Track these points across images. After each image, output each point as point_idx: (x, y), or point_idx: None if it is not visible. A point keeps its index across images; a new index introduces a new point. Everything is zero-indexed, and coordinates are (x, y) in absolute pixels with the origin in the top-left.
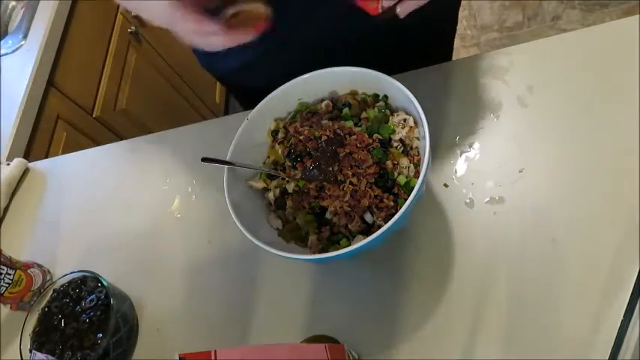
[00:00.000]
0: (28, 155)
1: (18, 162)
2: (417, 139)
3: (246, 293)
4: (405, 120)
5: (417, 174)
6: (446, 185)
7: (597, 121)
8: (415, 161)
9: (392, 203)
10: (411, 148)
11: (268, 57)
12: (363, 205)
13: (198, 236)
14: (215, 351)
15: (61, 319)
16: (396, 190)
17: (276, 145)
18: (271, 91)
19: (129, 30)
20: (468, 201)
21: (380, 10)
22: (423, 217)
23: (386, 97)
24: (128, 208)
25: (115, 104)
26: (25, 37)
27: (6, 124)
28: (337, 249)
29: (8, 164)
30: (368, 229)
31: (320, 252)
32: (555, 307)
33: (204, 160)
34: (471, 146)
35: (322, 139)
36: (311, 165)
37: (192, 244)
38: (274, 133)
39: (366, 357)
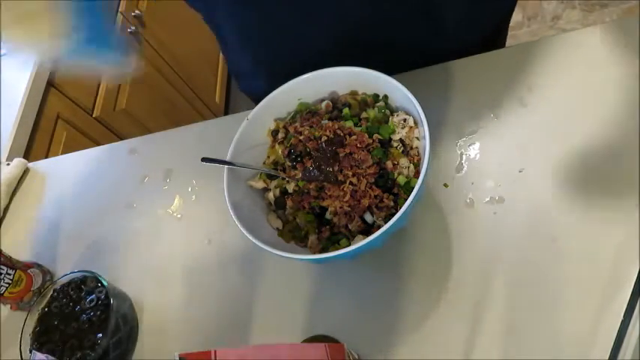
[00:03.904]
0: (28, 155)
1: (18, 162)
2: (417, 139)
3: (246, 293)
4: (405, 120)
5: (417, 174)
6: (446, 185)
7: (597, 121)
8: (415, 161)
9: (392, 203)
10: (411, 148)
11: None
12: (363, 205)
13: (198, 236)
14: (215, 351)
15: (61, 319)
16: (396, 190)
17: (276, 145)
18: None
19: (129, 30)
20: (468, 201)
21: None
22: (423, 217)
23: (386, 97)
24: (128, 208)
25: (115, 104)
26: None
27: (6, 124)
28: (337, 249)
29: (8, 164)
30: (368, 229)
31: (320, 252)
32: (555, 307)
33: (204, 160)
34: (471, 146)
35: (322, 140)
36: (311, 165)
37: (192, 244)
38: (274, 133)
39: (366, 357)
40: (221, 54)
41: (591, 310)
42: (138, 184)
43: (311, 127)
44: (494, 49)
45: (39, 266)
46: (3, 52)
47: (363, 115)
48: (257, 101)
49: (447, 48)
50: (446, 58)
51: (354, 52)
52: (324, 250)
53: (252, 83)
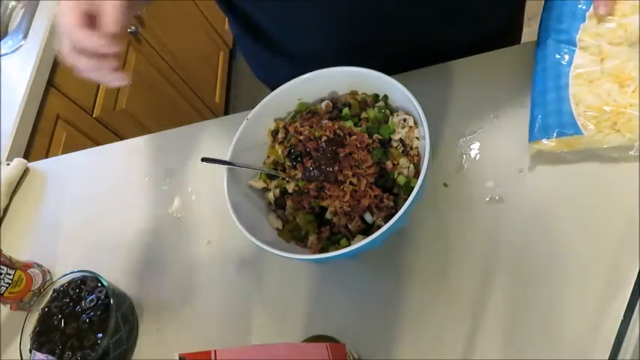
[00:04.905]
0: (28, 155)
1: (18, 162)
2: (417, 139)
3: (246, 293)
4: (405, 120)
5: (417, 174)
6: (446, 185)
7: None
8: (415, 161)
9: (392, 203)
10: (411, 148)
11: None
12: (362, 205)
13: (198, 236)
14: (215, 351)
15: (61, 319)
16: (395, 190)
17: (276, 145)
18: None
19: (129, 30)
20: (468, 201)
21: None
22: (423, 217)
23: (386, 97)
24: (128, 208)
25: (115, 104)
26: (25, 37)
27: (6, 124)
28: (337, 249)
29: (8, 164)
30: (368, 229)
31: (320, 252)
32: (555, 307)
33: (204, 160)
34: (471, 146)
35: (322, 140)
36: (311, 165)
37: (192, 244)
38: (274, 133)
39: (366, 357)
40: (221, 53)
41: (591, 310)
42: (138, 184)
43: (311, 127)
44: (494, 49)
45: (39, 266)
46: (3, 52)
47: (363, 115)
48: (274, 89)
49: (447, 48)
50: (446, 58)
51: (354, 51)
52: (324, 250)
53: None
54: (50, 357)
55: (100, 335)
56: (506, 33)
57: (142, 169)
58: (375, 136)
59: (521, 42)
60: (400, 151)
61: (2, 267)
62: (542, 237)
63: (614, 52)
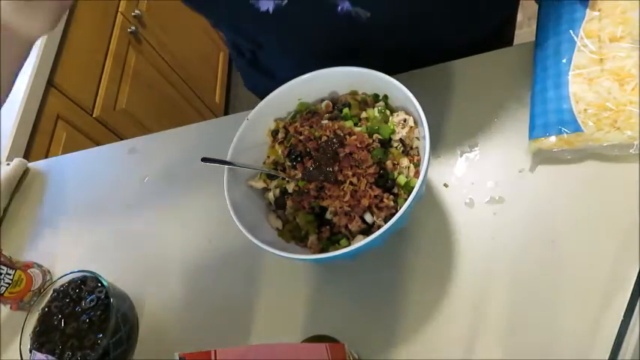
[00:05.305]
0: (28, 155)
1: (18, 162)
2: (417, 139)
3: (247, 293)
4: (405, 120)
5: (417, 174)
6: (446, 185)
7: None
8: (415, 161)
9: (392, 203)
10: (411, 148)
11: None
12: (363, 205)
13: (198, 236)
14: (215, 351)
15: (61, 319)
16: (396, 190)
17: (276, 145)
18: None
19: (129, 30)
20: (467, 201)
21: None
22: (423, 217)
23: (386, 97)
24: (128, 208)
25: (115, 104)
26: None
27: (6, 124)
28: (337, 249)
29: (8, 164)
30: (368, 229)
31: (320, 252)
32: (555, 307)
33: (204, 160)
34: (471, 146)
35: (322, 140)
36: (311, 165)
37: (193, 244)
38: (274, 133)
39: (366, 357)
40: (221, 53)
41: (591, 310)
42: (138, 184)
43: (311, 127)
44: (495, 48)
45: (39, 266)
46: None
47: (363, 115)
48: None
49: (448, 48)
50: (446, 58)
51: (354, 51)
52: (324, 250)
53: (263, 84)
54: (50, 357)
55: (100, 335)
56: (504, 32)
57: (142, 169)
58: (375, 136)
59: (521, 41)
60: (400, 151)
61: (2, 267)
62: (542, 237)
63: (614, 49)
